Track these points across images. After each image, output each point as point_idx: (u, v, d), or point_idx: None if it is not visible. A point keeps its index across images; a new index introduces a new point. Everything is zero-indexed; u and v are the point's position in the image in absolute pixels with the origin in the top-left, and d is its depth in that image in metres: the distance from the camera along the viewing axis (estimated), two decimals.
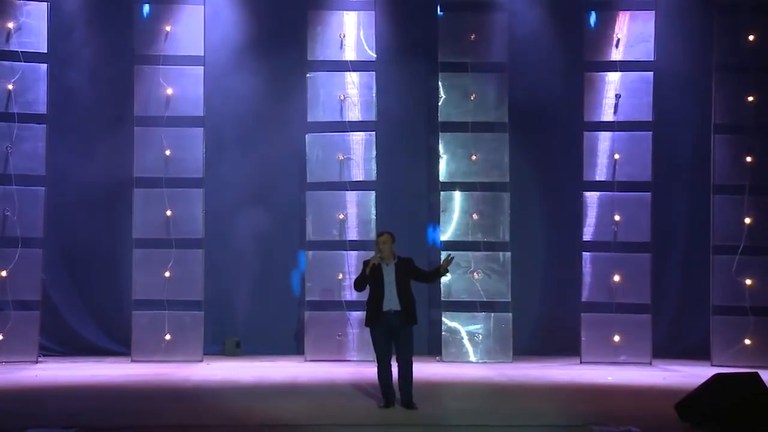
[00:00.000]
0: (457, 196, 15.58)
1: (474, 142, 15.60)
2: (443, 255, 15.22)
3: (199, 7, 15.37)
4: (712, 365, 14.74)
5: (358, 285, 10.87)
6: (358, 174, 15.56)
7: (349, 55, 15.63)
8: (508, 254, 15.46)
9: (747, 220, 15.21)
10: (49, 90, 15.05)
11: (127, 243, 15.36)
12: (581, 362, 15.09)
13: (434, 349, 15.72)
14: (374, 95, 15.56)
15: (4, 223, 14.90)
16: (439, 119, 15.66)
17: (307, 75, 15.62)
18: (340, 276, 15.35)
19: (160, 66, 15.34)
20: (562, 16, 15.94)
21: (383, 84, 15.67)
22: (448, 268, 10.86)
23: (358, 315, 14.94)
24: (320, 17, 15.64)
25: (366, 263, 10.78)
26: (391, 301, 10.60)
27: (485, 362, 15.21)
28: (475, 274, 15.42)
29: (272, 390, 12.47)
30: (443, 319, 15.40)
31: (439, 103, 15.65)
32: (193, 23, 15.39)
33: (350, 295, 15.19)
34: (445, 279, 15.32)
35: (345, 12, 15.65)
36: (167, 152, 15.28)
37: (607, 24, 15.57)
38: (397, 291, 10.60)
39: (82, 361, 14.77)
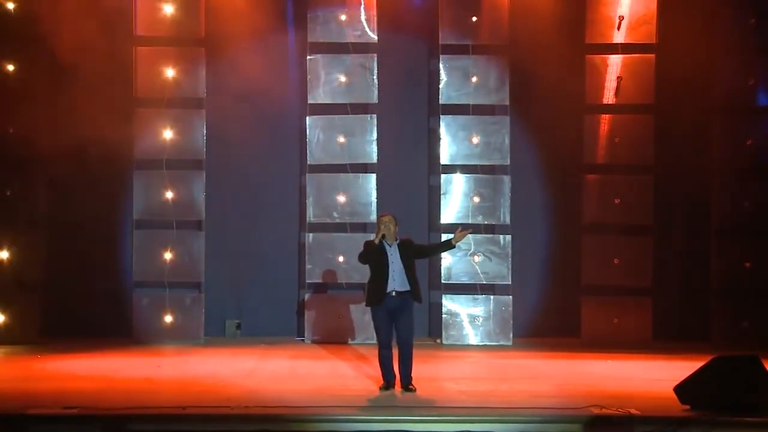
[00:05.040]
0: (458, 178, 15.56)
1: (475, 124, 15.57)
2: (443, 237, 15.25)
3: None
4: (711, 348, 14.75)
5: (363, 259, 10.86)
6: (358, 156, 15.53)
7: (350, 37, 15.58)
8: (509, 237, 15.45)
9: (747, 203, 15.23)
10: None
11: (128, 224, 15.36)
12: (581, 345, 15.09)
13: (434, 331, 15.74)
14: (375, 77, 15.51)
15: (7, 203, 14.90)
16: (440, 101, 15.62)
17: (308, 57, 15.57)
18: (341, 258, 15.35)
19: (161, 47, 15.32)
20: None
21: (384, 66, 15.63)
22: (461, 242, 10.96)
23: (358, 297, 14.94)
24: None
25: (368, 243, 10.79)
26: (396, 282, 10.63)
27: (485, 344, 15.23)
28: (475, 256, 15.41)
29: (272, 372, 12.50)
30: (443, 301, 15.40)
31: (440, 86, 15.60)
32: (191, 3, 15.32)
33: (350, 277, 15.21)
34: (445, 262, 15.33)
35: None
36: (168, 134, 15.26)
37: (609, 6, 15.52)
38: (403, 271, 10.64)
39: (83, 342, 14.77)
